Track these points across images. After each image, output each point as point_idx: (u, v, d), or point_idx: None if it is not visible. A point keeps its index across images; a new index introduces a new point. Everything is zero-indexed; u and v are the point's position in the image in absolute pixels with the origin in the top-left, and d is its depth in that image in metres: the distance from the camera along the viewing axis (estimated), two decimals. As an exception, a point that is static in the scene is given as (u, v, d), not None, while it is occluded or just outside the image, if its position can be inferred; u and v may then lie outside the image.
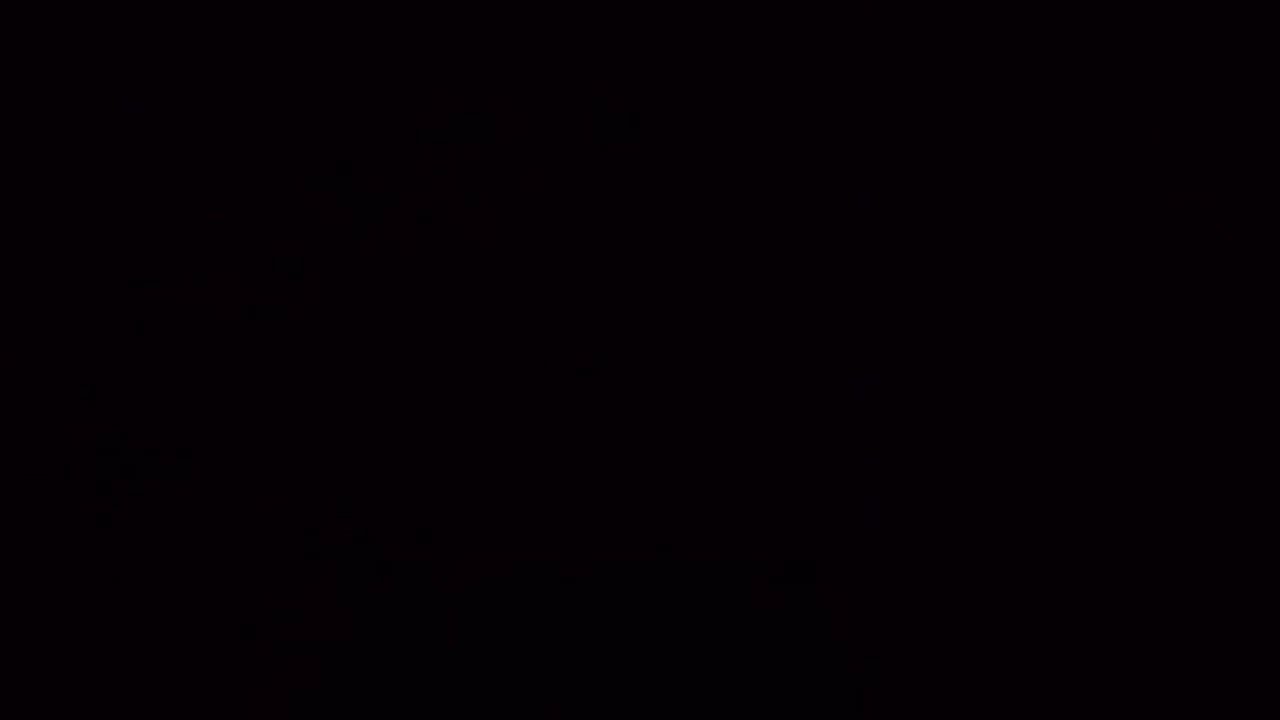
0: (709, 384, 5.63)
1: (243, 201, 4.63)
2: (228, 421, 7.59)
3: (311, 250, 5.07)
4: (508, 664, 11.23)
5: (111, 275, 5.22)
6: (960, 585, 9.52)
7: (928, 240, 4.11)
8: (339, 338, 5.71)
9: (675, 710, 9.08)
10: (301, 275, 5.15)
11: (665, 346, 5.44)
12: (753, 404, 5.54)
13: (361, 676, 12.85)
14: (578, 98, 3.79)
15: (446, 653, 11.49)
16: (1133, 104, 3.47)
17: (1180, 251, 4.11)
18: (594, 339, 5.48)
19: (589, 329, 5.45)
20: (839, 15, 3.39)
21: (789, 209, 4.16)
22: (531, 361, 6.00)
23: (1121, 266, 4.11)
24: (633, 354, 5.50)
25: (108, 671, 10.84)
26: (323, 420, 7.86)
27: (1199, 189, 3.98)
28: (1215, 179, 3.91)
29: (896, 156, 3.77)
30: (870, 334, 5.10)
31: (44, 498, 10.10)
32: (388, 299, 5.23)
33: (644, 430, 6.77)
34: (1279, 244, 4.04)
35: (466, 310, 5.46)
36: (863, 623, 9.65)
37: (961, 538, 8.71)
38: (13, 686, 9.82)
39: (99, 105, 3.84)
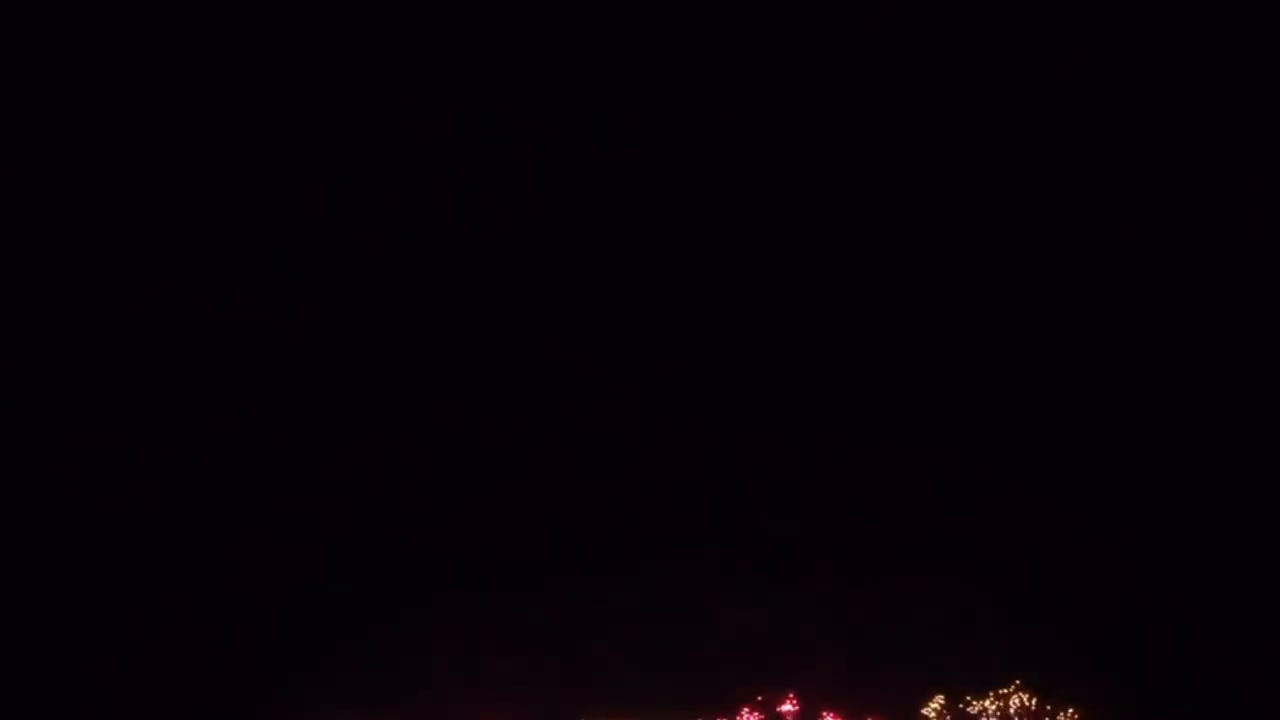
0: (715, 384, 5.58)
1: (246, 203, 4.60)
2: (231, 420, 7.47)
3: (315, 251, 5.04)
4: (516, 663, 11.06)
5: (114, 275, 5.18)
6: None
7: (939, 241, 4.08)
8: (343, 337, 5.66)
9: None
10: (305, 276, 5.12)
11: (669, 347, 5.40)
12: (759, 405, 5.48)
13: (363, 677, 12.61)
14: (584, 101, 3.76)
15: (454, 653, 11.31)
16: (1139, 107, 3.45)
17: (1190, 254, 4.08)
18: (597, 339, 5.41)
19: (592, 329, 5.41)
20: (843, 19, 3.36)
21: (795, 210, 4.13)
22: (534, 362, 5.92)
23: (1140, 269, 4.08)
24: (635, 355, 5.44)
25: (108, 672, 10.66)
26: (328, 418, 7.73)
27: (1207, 194, 3.94)
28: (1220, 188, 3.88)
29: (902, 158, 3.74)
30: (874, 334, 5.05)
31: (45, 498, 9.96)
32: (391, 299, 5.20)
33: (644, 428, 6.69)
34: None
35: (470, 310, 5.41)
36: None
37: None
38: (12, 687, 9.67)
39: (101, 107, 3.81)
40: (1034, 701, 10.00)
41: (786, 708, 11.15)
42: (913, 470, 11.73)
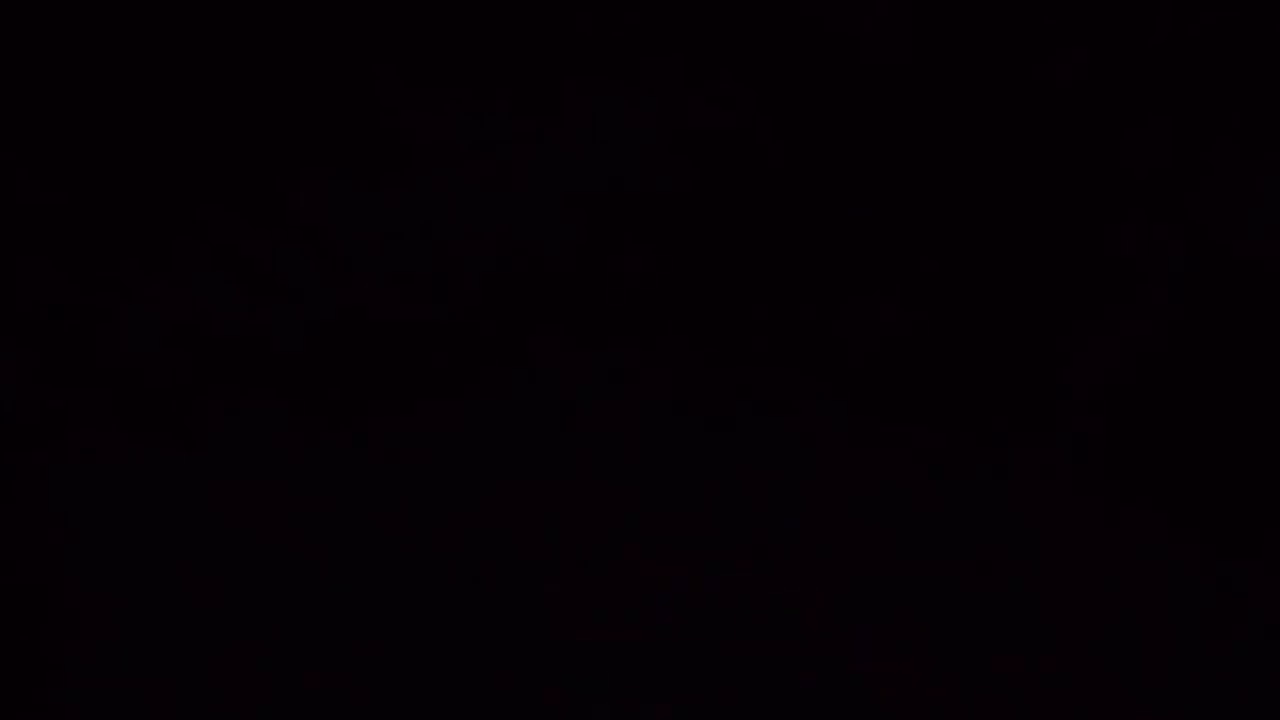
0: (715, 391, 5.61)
1: (245, 203, 4.63)
2: (231, 420, 7.48)
3: (315, 251, 5.07)
4: (511, 656, 11.08)
5: (114, 275, 5.20)
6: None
7: (940, 242, 4.10)
8: (342, 337, 5.68)
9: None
10: (305, 276, 5.15)
11: (668, 354, 5.43)
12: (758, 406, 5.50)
13: (366, 678, 12.58)
14: (584, 101, 3.78)
15: (452, 652, 11.30)
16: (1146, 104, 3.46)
17: (1193, 259, 4.11)
18: (596, 339, 5.43)
19: (590, 335, 5.43)
20: (843, 19, 3.38)
21: (795, 210, 4.15)
22: (534, 361, 5.92)
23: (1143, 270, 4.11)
24: (634, 361, 5.46)
25: (106, 673, 10.65)
26: (327, 423, 7.76)
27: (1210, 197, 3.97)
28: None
29: (906, 158, 3.75)
30: (874, 334, 5.11)
31: (45, 500, 9.99)
32: (392, 299, 5.22)
33: (644, 427, 6.71)
34: None
35: (470, 310, 5.46)
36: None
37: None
38: (11, 687, 9.65)
39: (100, 105, 3.82)
40: None
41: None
42: (913, 469, 11.86)
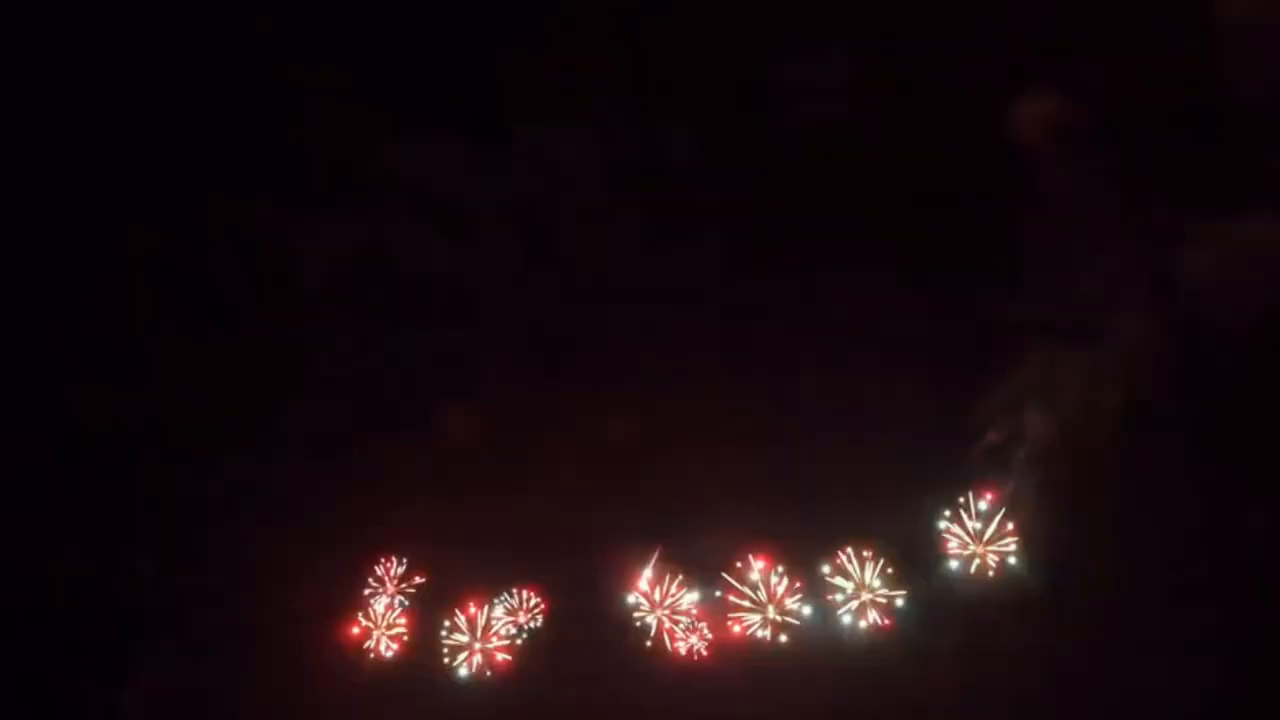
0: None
1: (188, 225, 4.66)
2: (230, 424, 7.43)
3: (262, 273, 5.12)
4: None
5: (111, 276, 5.21)
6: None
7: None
8: (342, 340, 5.69)
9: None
10: (250, 298, 5.22)
11: (669, 353, 5.41)
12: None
13: (366, 678, 12.64)
14: (533, 137, 3.82)
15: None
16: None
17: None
18: (543, 374, 5.41)
19: (536, 364, 5.43)
20: (785, 66, 3.41)
21: (799, 212, 4.15)
22: (478, 393, 5.83)
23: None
24: (580, 389, 5.43)
25: (107, 674, 10.72)
26: (327, 422, 7.69)
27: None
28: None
29: (905, 159, 3.76)
30: (874, 333, 5.08)
31: (44, 497, 9.98)
32: (336, 323, 5.26)
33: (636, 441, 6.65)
34: None
35: (411, 338, 5.50)
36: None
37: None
38: (13, 686, 9.68)
39: (100, 108, 3.83)
40: None
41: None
42: (913, 468, 11.95)
